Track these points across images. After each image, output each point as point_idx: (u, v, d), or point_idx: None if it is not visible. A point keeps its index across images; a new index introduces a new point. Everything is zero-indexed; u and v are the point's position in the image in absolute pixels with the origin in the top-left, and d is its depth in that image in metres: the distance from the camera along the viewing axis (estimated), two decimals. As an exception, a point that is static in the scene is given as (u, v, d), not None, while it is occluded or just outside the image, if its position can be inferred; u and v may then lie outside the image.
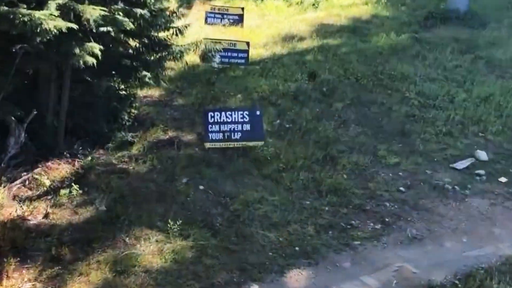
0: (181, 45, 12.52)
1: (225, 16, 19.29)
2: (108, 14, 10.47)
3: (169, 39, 12.58)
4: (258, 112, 12.43)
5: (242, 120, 12.35)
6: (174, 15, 12.72)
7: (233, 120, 12.34)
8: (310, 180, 11.19)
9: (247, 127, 12.32)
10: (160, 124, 12.74)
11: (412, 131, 13.18)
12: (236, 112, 12.40)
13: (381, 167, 11.76)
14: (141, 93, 13.56)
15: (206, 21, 19.17)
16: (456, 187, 11.19)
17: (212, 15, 19.28)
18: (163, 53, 12.61)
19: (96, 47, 10.40)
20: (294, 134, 12.72)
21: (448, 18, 20.42)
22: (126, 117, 12.64)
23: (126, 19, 10.93)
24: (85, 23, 10.27)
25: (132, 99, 13.13)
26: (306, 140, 12.52)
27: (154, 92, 13.81)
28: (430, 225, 10.10)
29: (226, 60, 16.15)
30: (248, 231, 9.66)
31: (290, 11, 21.23)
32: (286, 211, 10.24)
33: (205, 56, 13.53)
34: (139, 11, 11.27)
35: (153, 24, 12.12)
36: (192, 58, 15.85)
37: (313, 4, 21.52)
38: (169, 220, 9.55)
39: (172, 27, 12.44)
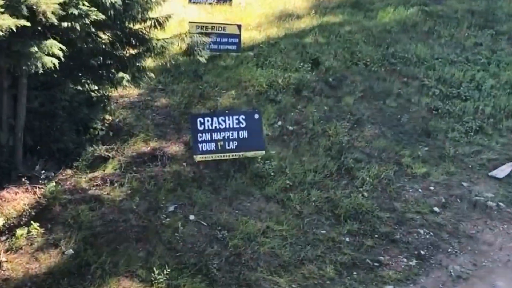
0: (162, 39, 10.25)
1: (211, -6, 16.90)
2: (70, 4, 8.26)
3: (147, 32, 10.33)
4: (256, 116, 10.33)
5: (238, 126, 10.27)
6: (152, 2, 10.40)
7: (227, 126, 10.26)
8: (324, 201, 9.20)
9: (244, 134, 10.26)
10: (140, 132, 10.62)
11: (437, 129, 11.16)
12: (230, 117, 10.32)
13: (407, 179, 9.75)
14: (116, 93, 11.26)
15: (189, 0, 16.75)
16: (500, 203, 9.26)
17: (197, -6, 16.88)
18: (141, 49, 10.42)
19: (56, 46, 8.36)
20: (299, 139, 10.67)
21: (460, -13, 18.12)
22: (98, 126, 10.53)
23: (93, 8, 8.77)
24: (41, 17, 8.08)
25: (105, 102, 10.93)
26: (314, 146, 10.48)
27: (132, 91, 11.64)
28: (476, 257, 8.18)
29: (215, 47, 13.91)
30: (253, 276, 7.74)
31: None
32: (297, 245, 8.31)
33: (192, 51, 11.24)
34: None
35: (127, 14, 9.88)
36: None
37: None
38: (153, 267, 7.54)
39: (150, 18, 10.17)
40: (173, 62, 11.71)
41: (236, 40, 14.16)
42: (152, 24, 10.31)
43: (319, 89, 12.28)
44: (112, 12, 9.62)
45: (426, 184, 9.67)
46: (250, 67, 13.19)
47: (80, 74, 10.33)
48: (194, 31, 13.55)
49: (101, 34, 10.40)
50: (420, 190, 9.51)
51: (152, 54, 10.55)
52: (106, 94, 11.03)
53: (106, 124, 10.71)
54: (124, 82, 10.49)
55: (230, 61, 13.57)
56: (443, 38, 15.11)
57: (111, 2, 9.27)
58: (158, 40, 10.28)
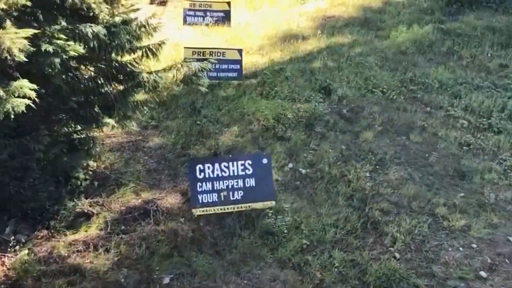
0: (155, 72, 8.78)
1: (208, 13, 15.53)
2: (42, 38, 6.82)
3: (137, 63, 8.87)
4: (265, 160, 8.81)
5: (243, 173, 8.77)
6: (143, 29, 8.93)
7: (232, 173, 8.75)
8: (349, 265, 7.69)
9: (251, 182, 8.76)
10: (130, 181, 9.11)
11: (471, 169, 9.64)
12: (235, 163, 8.81)
13: (444, 235, 8.23)
14: (102, 132, 9.73)
15: (185, 21, 15.39)
16: (560, 265, 7.62)
17: (192, 13, 15.49)
18: (130, 84, 8.92)
19: (27, 86, 6.88)
20: (315, 186, 9.14)
21: (476, 1, 16.86)
22: (81, 176, 9.00)
23: (71, 42, 7.33)
24: (6, 55, 6.61)
25: (90, 145, 9.40)
26: (333, 194, 8.96)
27: (121, 129, 9.98)
28: None
29: (214, 74, 12.44)
30: None
31: (286, 2, 17.44)
32: (321, 327, 6.63)
33: (190, 80, 9.64)
34: (90, 29, 7.61)
35: (113, 45, 8.43)
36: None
37: None
38: None
39: (141, 47, 8.70)
40: (166, 95, 10.27)
41: (237, 67, 12.70)
42: (143, 53, 8.83)
43: (333, 122, 10.76)
44: (95, 43, 8.17)
45: (467, 240, 8.12)
46: (253, 98, 11.70)
47: (58, 116, 8.77)
48: (190, 57, 12.10)
49: (82, 69, 8.94)
50: (461, 248, 7.97)
51: (144, 90, 9.04)
52: (90, 135, 9.48)
53: (90, 172, 9.19)
54: (107, 122, 8.99)
55: (231, 91, 12.08)
56: (464, 59, 13.62)
57: (93, 32, 7.81)
58: (150, 73, 8.78)
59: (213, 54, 12.70)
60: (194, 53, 12.65)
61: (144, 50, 8.86)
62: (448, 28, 15.35)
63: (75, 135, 9.42)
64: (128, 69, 8.99)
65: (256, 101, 11.64)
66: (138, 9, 8.58)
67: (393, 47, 14.29)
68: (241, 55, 12.82)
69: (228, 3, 15.82)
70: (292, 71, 12.80)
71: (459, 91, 12.08)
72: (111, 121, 9.17)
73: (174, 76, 9.16)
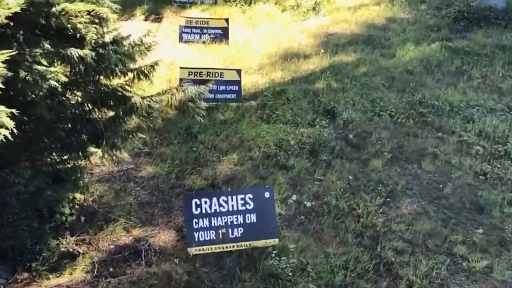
0: (148, 98, 8.05)
1: (205, 30, 14.79)
2: (22, 64, 6.13)
3: (129, 86, 8.16)
4: (267, 194, 8.05)
5: (244, 208, 8.05)
6: (137, 48, 8.22)
7: (231, 208, 8.03)
8: (361, 314, 6.77)
9: (251, 218, 8.04)
10: (120, 216, 8.32)
11: (490, 202, 8.93)
12: (234, 197, 8.04)
13: (465, 277, 7.52)
14: (92, 159, 8.96)
15: (180, 38, 14.65)
16: None
17: (188, 30, 14.76)
18: (119, 110, 8.18)
19: (5, 113, 6.19)
20: (321, 221, 8.40)
21: (484, 18, 16.18)
22: (66, 211, 8.25)
23: (54, 69, 6.66)
24: (-19, 81, 5.87)
25: (77, 176, 8.62)
26: (341, 231, 8.21)
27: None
28: None
29: (212, 96, 11.72)
30: None
31: (286, 18, 16.72)
32: None
33: (186, 108, 8.84)
34: (75, 52, 6.90)
35: (101, 68, 7.71)
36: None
37: (314, 9, 16.96)
38: None
39: (132, 70, 7.98)
40: (160, 121, 9.54)
41: (236, 88, 11.99)
42: (135, 75, 8.10)
43: (339, 149, 10.03)
44: (82, 67, 7.44)
45: (490, 284, 7.43)
46: (253, 122, 10.98)
47: (41, 145, 8.02)
48: (186, 77, 11.37)
49: (68, 94, 8.22)
50: (484, 294, 7.13)
51: (136, 116, 8.30)
52: (77, 165, 8.71)
53: (77, 206, 8.44)
54: (99, 155, 8.25)
55: (230, 114, 11.34)
56: (475, 79, 12.94)
57: (79, 55, 7.08)
58: (143, 98, 8.04)
59: (211, 75, 11.98)
60: (190, 73, 11.93)
61: (136, 72, 8.11)
62: (456, 46, 14.68)
63: (60, 165, 8.65)
64: (118, 94, 8.29)
65: (256, 125, 10.90)
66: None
67: (399, 66, 13.59)
68: (240, 75, 12.11)
69: (226, 20, 15.13)
70: (294, 93, 12.07)
71: (472, 114, 11.35)
72: (99, 150, 8.38)
73: (168, 101, 8.34)
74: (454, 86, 12.67)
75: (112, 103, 8.32)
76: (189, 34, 14.85)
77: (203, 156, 9.90)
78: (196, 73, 11.98)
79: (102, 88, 8.23)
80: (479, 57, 14.16)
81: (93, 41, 7.37)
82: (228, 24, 15.06)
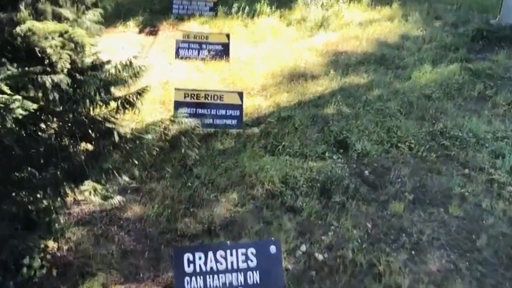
0: (135, 130, 6.79)
1: (204, 46, 13.55)
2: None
3: (114, 117, 6.89)
4: (273, 249, 6.82)
5: (245, 265, 6.82)
6: (124, 73, 6.97)
7: (230, 266, 6.77)
8: None
9: (254, 277, 6.81)
10: (99, 269, 6.96)
11: (531, 257, 7.48)
12: (234, 252, 6.76)
13: None
14: (69, 198, 7.64)
15: (177, 54, 13.39)
16: None
17: (186, 45, 13.50)
18: (102, 144, 6.92)
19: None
20: (336, 279, 7.03)
21: (505, 38, 14.98)
22: (35, 263, 6.87)
23: (18, 97, 5.42)
24: None
25: (51, 219, 7.33)
26: (359, 292, 6.78)
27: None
28: None
29: (210, 121, 10.48)
30: None
31: (291, 33, 15.45)
32: None
33: (179, 144, 7.46)
34: (48, 78, 5.66)
35: (79, 96, 6.48)
36: (159, 110, 10.34)
37: (321, 24, 15.67)
38: None
39: (115, 98, 6.72)
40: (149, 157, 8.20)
41: (237, 113, 10.71)
42: (119, 105, 6.82)
43: (354, 189, 8.73)
44: (56, 95, 6.20)
45: None
46: (256, 153, 9.70)
47: (8, 185, 6.74)
48: (182, 99, 10.10)
49: (41, 125, 6.95)
50: None
51: (121, 152, 7.03)
52: (52, 205, 7.43)
53: (49, 256, 7.10)
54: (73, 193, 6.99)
55: (230, 143, 10.08)
56: (500, 107, 11.71)
57: (52, 81, 5.84)
58: (132, 131, 6.78)
59: (209, 98, 10.72)
60: (186, 95, 10.68)
61: (120, 101, 6.82)
62: (477, 68, 13.44)
63: (31, 207, 7.35)
64: (100, 126, 6.95)
65: (259, 157, 9.63)
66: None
67: (416, 90, 12.33)
68: (241, 99, 10.83)
69: (227, 35, 13.87)
70: (302, 119, 10.80)
71: (501, 148, 10.09)
72: (79, 190, 7.09)
73: (160, 135, 7.07)
74: (478, 114, 11.41)
75: (93, 136, 7.02)
76: (186, 50, 13.58)
77: (198, 194, 8.61)
78: (193, 96, 10.71)
79: (81, 119, 6.93)
80: (503, 81, 12.95)
81: (68, 66, 6.03)
82: (229, 39, 13.81)
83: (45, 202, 7.45)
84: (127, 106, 6.97)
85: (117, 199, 7.33)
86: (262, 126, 10.78)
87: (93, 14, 7.16)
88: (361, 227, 8.10)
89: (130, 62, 7.09)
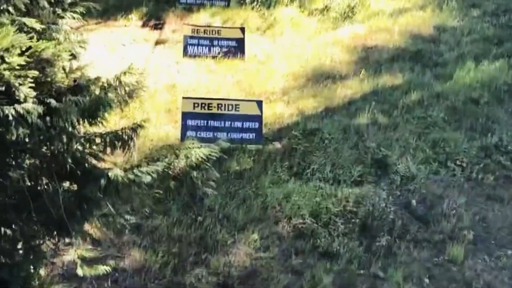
0: (129, 170, 5.18)
1: (215, 42, 11.85)
2: None
3: (100, 152, 5.29)
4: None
5: None
6: (111, 95, 5.33)
7: None
8: None
9: None
10: None
11: None
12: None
13: None
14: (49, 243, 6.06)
15: (185, 52, 11.72)
16: None
17: (195, 41, 11.82)
18: (87, 186, 5.31)
19: None
20: None
21: (555, 28, 12.95)
22: None
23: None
24: None
25: (29, 274, 5.74)
26: None
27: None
28: None
29: (224, 135, 8.78)
30: None
31: (313, 26, 13.70)
32: None
33: (191, 180, 5.76)
34: (10, 109, 4.14)
35: (56, 131, 4.88)
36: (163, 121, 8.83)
37: (346, 14, 13.85)
38: None
39: (101, 134, 5.09)
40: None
41: (256, 125, 9.11)
42: (107, 142, 5.18)
43: (401, 226, 7.21)
44: (23, 132, 4.58)
45: None
46: (280, 176, 8.09)
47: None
48: (191, 110, 8.48)
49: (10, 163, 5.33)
50: None
51: (112, 199, 5.45)
52: (28, 258, 5.88)
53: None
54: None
55: (248, 163, 8.49)
56: (561, 112, 9.85)
57: (16, 112, 4.21)
58: (125, 173, 5.18)
59: (223, 108, 9.14)
60: (196, 105, 9.09)
61: (109, 138, 5.19)
62: (527, 65, 11.59)
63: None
64: (85, 166, 5.34)
65: (283, 181, 8.05)
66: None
67: (460, 93, 10.65)
68: (261, 109, 9.22)
69: (242, 29, 12.18)
70: (331, 131, 9.16)
71: None
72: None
73: (164, 172, 5.45)
74: (536, 123, 9.61)
75: (77, 176, 5.42)
76: (196, 47, 11.88)
77: (212, 233, 7.03)
78: (203, 105, 9.11)
79: (60, 157, 5.32)
80: (559, 80, 11.09)
81: (33, 94, 4.41)
82: (244, 34, 12.10)
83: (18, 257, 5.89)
84: (118, 144, 5.33)
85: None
86: (284, 140, 9.17)
87: (72, 17, 5.47)
88: (414, 279, 6.52)
89: (119, 80, 5.48)
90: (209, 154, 5.59)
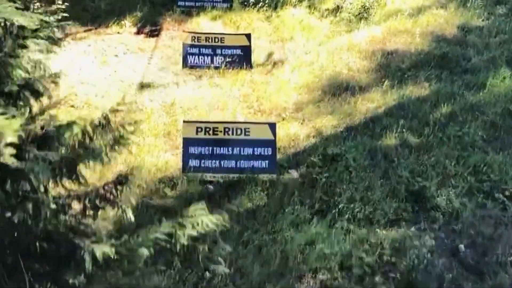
0: (120, 244, 3.84)
1: (218, 51, 10.59)
2: None
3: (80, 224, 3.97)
4: None
5: None
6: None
7: None
8: None
9: None
10: None
11: None
12: None
13: None
14: None
15: (185, 63, 10.46)
16: None
17: (196, 50, 10.55)
18: (62, 265, 3.94)
19: None
20: None
21: None
22: None
23: None
24: None
25: None
26: None
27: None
28: None
29: (232, 164, 7.48)
30: None
31: (325, 28, 12.38)
32: None
33: (196, 256, 4.45)
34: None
35: (16, 204, 3.50)
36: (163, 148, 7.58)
37: (361, 15, 12.51)
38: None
39: (80, 196, 3.73)
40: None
41: (269, 151, 7.89)
42: (89, 205, 3.91)
43: (451, 280, 5.82)
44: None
45: None
46: (299, 216, 6.73)
47: None
48: (193, 136, 7.19)
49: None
50: None
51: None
52: None
53: None
54: None
55: (261, 198, 7.28)
56: None
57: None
58: (115, 246, 3.92)
59: (230, 132, 7.90)
60: (199, 130, 7.83)
61: (89, 200, 4.00)
62: None
63: None
64: (60, 242, 4.06)
65: (304, 222, 6.73)
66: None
67: (497, 105, 9.43)
68: (274, 132, 7.94)
69: (248, 36, 10.91)
70: (356, 157, 7.91)
71: None
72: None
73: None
74: None
75: (47, 260, 4.15)
76: (196, 57, 10.59)
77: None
78: (207, 130, 7.80)
79: (25, 233, 4.07)
80: None
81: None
82: (250, 41, 10.82)
83: None
84: (101, 205, 4.03)
85: None
86: (302, 168, 7.85)
87: (36, 43, 4.20)
88: None
89: (108, 121, 4.21)
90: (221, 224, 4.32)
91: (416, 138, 8.62)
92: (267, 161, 7.90)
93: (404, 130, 8.76)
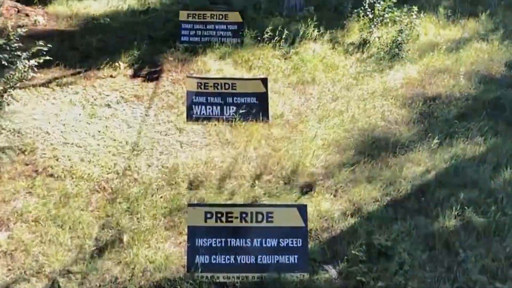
0: None
1: (229, 99, 8.95)
2: None
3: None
4: None
5: None
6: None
7: None
8: None
9: None
10: None
11: None
12: None
13: None
14: None
15: (190, 115, 8.73)
16: None
17: (203, 99, 8.90)
18: None
19: None
20: None
21: None
22: None
23: None
24: None
25: None
26: None
27: None
28: None
29: (251, 259, 5.58)
30: None
31: (351, 67, 10.70)
32: None
33: None
34: None
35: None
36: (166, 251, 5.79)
37: (393, 51, 10.72)
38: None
39: None
40: None
41: (299, 242, 6.19)
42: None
43: None
44: None
45: None
46: None
47: None
48: (202, 224, 5.44)
49: None
50: None
51: None
52: None
53: None
54: None
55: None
56: None
57: None
58: None
59: (248, 219, 6.15)
60: (208, 216, 6.12)
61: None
62: None
63: None
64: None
65: None
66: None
67: None
68: (305, 216, 6.03)
69: (263, 81, 9.19)
70: (411, 250, 5.95)
71: None
72: None
73: None
74: None
75: None
76: (203, 107, 8.88)
77: None
78: (219, 216, 6.02)
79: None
80: None
81: None
82: (266, 87, 9.04)
83: None
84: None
85: None
86: (341, 264, 5.93)
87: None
88: None
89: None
90: None
91: (481, 217, 6.75)
92: (296, 256, 6.11)
93: (464, 205, 6.89)
